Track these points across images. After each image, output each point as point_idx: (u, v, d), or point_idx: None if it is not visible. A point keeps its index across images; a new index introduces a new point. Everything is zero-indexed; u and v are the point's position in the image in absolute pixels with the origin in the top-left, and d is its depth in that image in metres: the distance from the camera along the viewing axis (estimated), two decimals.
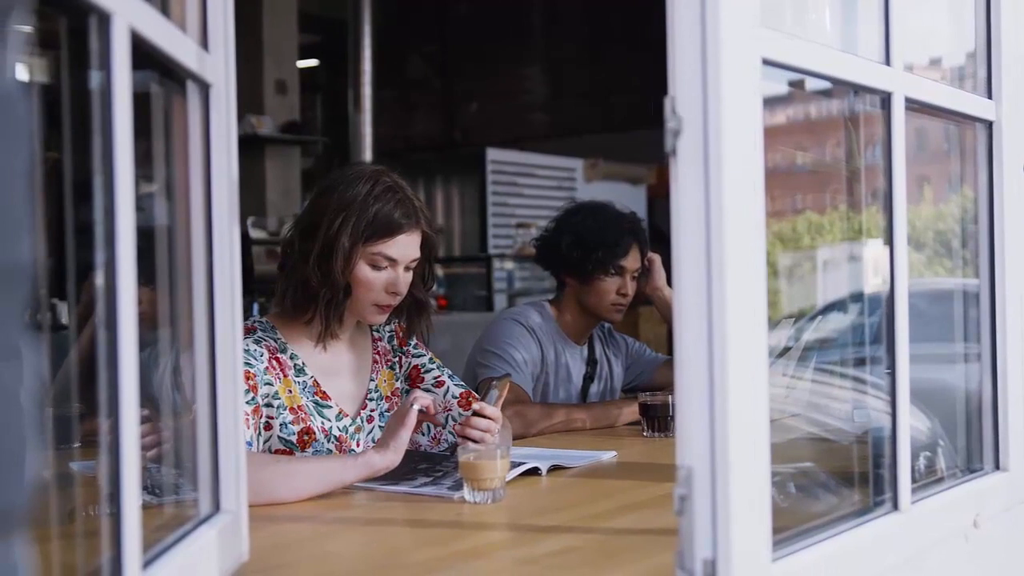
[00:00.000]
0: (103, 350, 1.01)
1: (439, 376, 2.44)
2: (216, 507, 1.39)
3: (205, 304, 1.38)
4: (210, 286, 1.38)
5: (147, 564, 1.10)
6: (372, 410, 2.35)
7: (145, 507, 1.08)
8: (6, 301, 0.58)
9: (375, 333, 2.43)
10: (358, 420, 2.32)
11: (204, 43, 1.35)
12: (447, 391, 2.41)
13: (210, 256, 1.38)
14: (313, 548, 1.72)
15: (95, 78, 1.00)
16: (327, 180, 2.29)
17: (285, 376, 2.22)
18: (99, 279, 1.02)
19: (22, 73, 0.62)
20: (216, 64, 1.37)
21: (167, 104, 1.33)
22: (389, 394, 2.40)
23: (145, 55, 1.12)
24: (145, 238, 1.10)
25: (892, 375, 1.55)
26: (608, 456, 2.40)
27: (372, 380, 2.37)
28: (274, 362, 2.20)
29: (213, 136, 1.37)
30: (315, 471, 1.97)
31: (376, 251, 2.20)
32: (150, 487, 1.37)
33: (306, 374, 2.25)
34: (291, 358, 2.25)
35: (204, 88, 1.35)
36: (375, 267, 2.21)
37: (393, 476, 2.06)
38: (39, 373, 0.63)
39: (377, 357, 2.40)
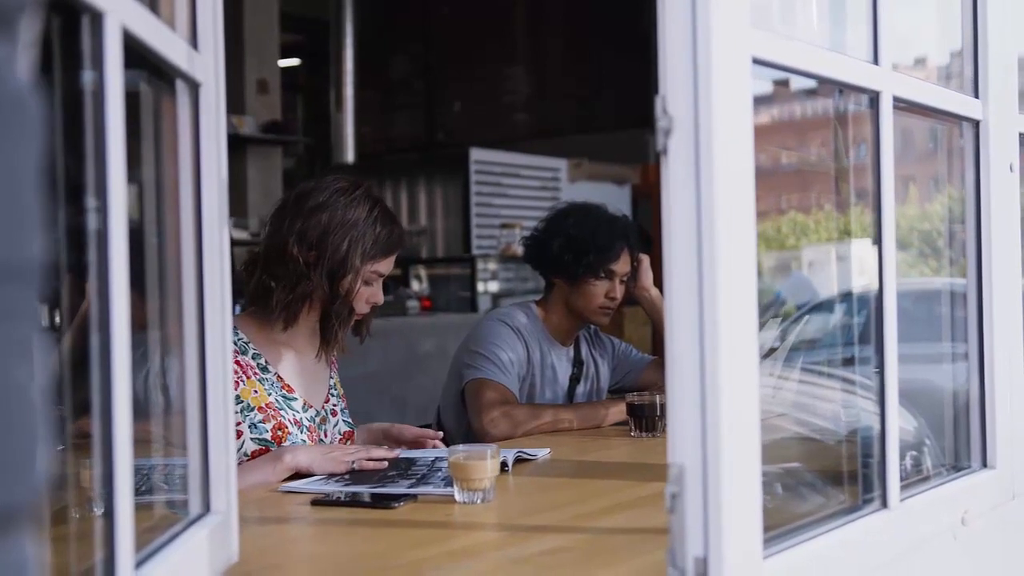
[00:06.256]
0: (95, 353, 1.00)
1: (343, 405, 2.55)
2: (206, 508, 1.38)
3: (195, 305, 1.37)
4: (200, 287, 1.37)
5: (138, 565, 1.09)
6: (334, 404, 2.47)
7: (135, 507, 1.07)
8: (18, 297, 0.58)
9: (342, 341, 2.51)
10: (323, 412, 2.42)
11: (194, 42, 1.35)
12: (336, 423, 2.48)
13: (199, 257, 1.37)
14: (302, 549, 1.72)
15: (87, 77, 1.00)
16: (317, 195, 2.33)
17: (248, 377, 2.28)
18: (89, 280, 1.01)
19: (32, 72, 0.62)
20: (206, 63, 1.36)
21: (156, 104, 1.33)
22: (342, 394, 2.53)
23: (134, 53, 1.11)
24: (133, 239, 1.09)
25: (880, 371, 1.55)
26: (543, 453, 2.40)
27: (332, 378, 2.50)
28: (235, 365, 2.23)
29: (203, 136, 1.36)
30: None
31: (374, 269, 2.35)
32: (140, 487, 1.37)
33: (270, 371, 2.33)
34: (253, 358, 2.32)
35: (194, 87, 1.34)
36: (366, 283, 2.35)
37: (378, 480, 2.05)
38: (49, 370, 0.63)
39: (333, 360, 2.52)
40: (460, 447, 1.98)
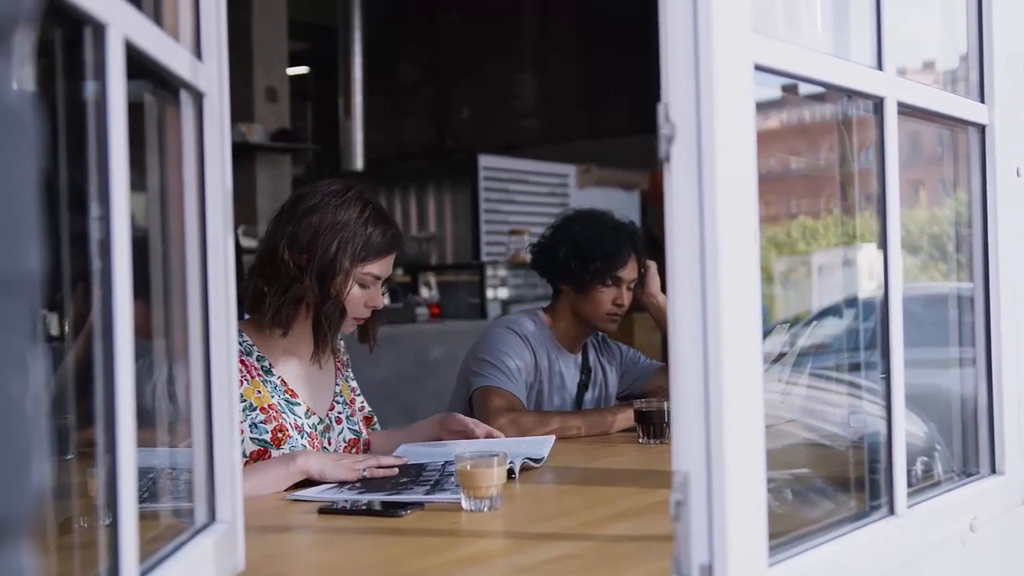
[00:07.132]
0: (99, 362, 1.00)
1: (362, 403, 2.58)
2: (212, 517, 1.38)
3: (200, 314, 1.37)
4: (205, 296, 1.38)
5: (144, 574, 1.10)
6: (339, 412, 2.46)
7: (140, 517, 1.07)
8: (14, 310, 0.59)
9: (333, 343, 2.51)
10: (327, 420, 2.41)
11: (197, 52, 1.35)
12: (341, 431, 2.48)
13: (204, 266, 1.37)
14: (309, 558, 1.72)
15: (89, 88, 1.00)
16: (310, 199, 2.34)
17: (252, 378, 2.30)
18: (95, 290, 1.01)
19: (27, 84, 0.62)
20: (209, 73, 1.37)
21: (160, 114, 1.33)
22: (349, 400, 2.51)
23: (138, 64, 1.12)
24: (138, 248, 1.09)
25: (887, 378, 1.55)
26: (548, 444, 2.43)
27: (337, 385, 2.49)
28: (239, 364, 2.24)
29: (207, 145, 1.37)
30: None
31: (367, 271, 2.34)
32: (145, 495, 1.37)
33: (274, 375, 2.34)
34: (257, 360, 2.33)
35: (198, 97, 1.35)
36: (362, 285, 2.34)
37: (391, 488, 2.05)
38: (44, 382, 0.64)
39: (339, 365, 2.52)
40: (467, 454, 1.98)
